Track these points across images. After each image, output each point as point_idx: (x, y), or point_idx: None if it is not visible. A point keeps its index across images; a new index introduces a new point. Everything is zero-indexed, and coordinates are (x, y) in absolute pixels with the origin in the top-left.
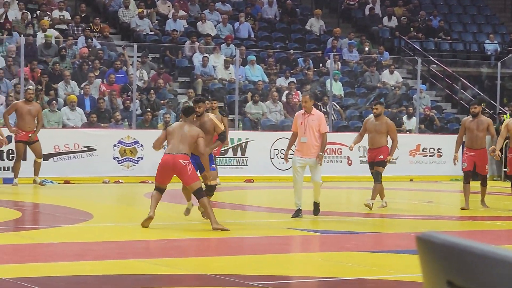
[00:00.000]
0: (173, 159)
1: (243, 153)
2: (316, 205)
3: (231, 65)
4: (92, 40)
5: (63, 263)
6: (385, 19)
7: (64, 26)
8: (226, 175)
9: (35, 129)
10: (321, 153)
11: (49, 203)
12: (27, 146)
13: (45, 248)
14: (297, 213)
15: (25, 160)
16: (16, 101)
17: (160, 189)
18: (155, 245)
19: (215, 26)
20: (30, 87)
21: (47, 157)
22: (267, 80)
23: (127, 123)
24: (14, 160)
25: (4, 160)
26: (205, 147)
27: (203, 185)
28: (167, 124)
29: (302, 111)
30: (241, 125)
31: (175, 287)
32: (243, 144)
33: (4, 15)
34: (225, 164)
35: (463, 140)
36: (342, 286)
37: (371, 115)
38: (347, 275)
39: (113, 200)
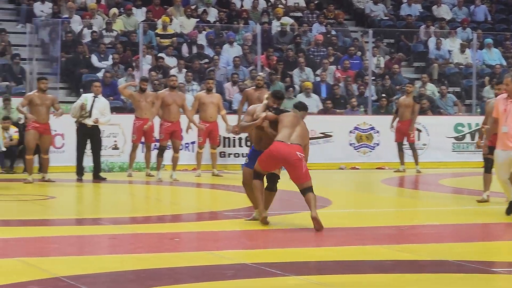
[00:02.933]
0: (288, 149)
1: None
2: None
3: (467, 49)
4: (326, 26)
5: (301, 249)
6: None
7: (299, 14)
8: (465, 160)
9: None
10: None
11: (287, 189)
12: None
13: (283, 234)
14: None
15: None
16: (246, 89)
17: (261, 178)
18: (394, 231)
19: (451, 10)
20: (260, 73)
21: None
22: (505, 63)
23: (363, 109)
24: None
25: (242, 146)
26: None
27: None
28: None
29: (505, 95)
30: (478, 110)
31: (418, 273)
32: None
33: (240, 3)
34: (462, 150)
35: None
36: None
37: None
38: None
39: (350, 186)
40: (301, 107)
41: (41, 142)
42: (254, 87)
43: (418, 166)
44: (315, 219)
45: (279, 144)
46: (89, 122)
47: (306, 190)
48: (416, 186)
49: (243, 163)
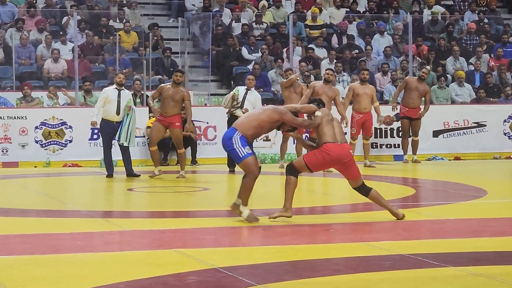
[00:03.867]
0: (343, 150)
1: None
2: None
3: None
4: (478, 14)
5: (457, 240)
6: None
7: (450, 2)
8: None
9: (418, 106)
10: None
11: (441, 179)
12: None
13: (438, 225)
14: None
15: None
16: (408, 77)
17: (297, 175)
18: None
19: None
20: (428, 67)
21: (437, 133)
22: None
23: None
24: (401, 137)
25: (394, 137)
26: None
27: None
28: None
29: None
30: None
31: None
32: None
33: None
34: None
35: None
36: None
37: None
38: None
39: (506, 176)
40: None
41: (172, 136)
42: (416, 78)
43: None
44: (403, 217)
45: (334, 146)
46: (240, 113)
47: (363, 187)
48: None
49: (246, 154)
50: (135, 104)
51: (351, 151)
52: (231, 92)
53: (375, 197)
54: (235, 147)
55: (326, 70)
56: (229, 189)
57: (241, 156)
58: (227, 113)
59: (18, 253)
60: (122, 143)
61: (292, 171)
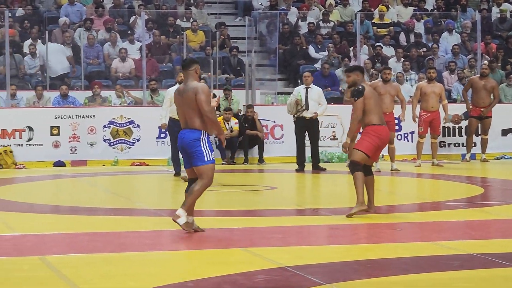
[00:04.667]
0: (388, 132)
1: None
2: None
3: None
4: None
5: None
6: None
7: None
8: None
9: (489, 104)
10: None
11: (509, 178)
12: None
13: (507, 225)
14: None
15: (477, 136)
16: (471, 77)
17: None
18: None
19: None
20: (485, 62)
21: (505, 132)
22: None
23: None
24: (466, 136)
25: (462, 136)
26: None
27: None
28: None
29: None
30: None
31: None
32: None
33: None
34: None
35: None
36: None
37: None
38: None
39: None
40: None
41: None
42: (479, 76)
43: None
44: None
45: (382, 128)
46: (307, 114)
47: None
48: None
49: (212, 159)
50: None
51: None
52: (293, 97)
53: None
54: (202, 149)
55: (383, 69)
56: (296, 188)
57: (206, 159)
58: (293, 116)
59: (87, 251)
60: None
61: (355, 167)
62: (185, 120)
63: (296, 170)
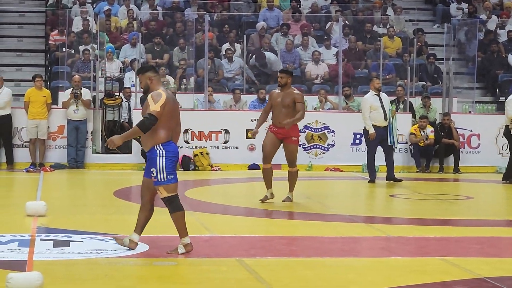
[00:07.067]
0: None
1: None
2: None
3: None
4: None
5: None
6: None
7: None
8: None
9: None
10: None
11: None
12: None
13: None
14: None
15: None
16: None
17: None
18: None
19: None
20: None
21: None
22: None
23: None
24: None
25: None
26: None
27: None
28: None
29: None
30: None
31: None
32: None
33: None
34: None
35: None
36: None
37: None
38: None
39: None
40: None
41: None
42: None
43: None
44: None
45: None
46: None
47: None
48: None
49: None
50: (397, 110)
51: None
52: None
53: None
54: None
55: None
56: (493, 199)
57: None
58: None
59: (285, 254)
60: (392, 145)
61: None
62: None
63: (502, 182)
